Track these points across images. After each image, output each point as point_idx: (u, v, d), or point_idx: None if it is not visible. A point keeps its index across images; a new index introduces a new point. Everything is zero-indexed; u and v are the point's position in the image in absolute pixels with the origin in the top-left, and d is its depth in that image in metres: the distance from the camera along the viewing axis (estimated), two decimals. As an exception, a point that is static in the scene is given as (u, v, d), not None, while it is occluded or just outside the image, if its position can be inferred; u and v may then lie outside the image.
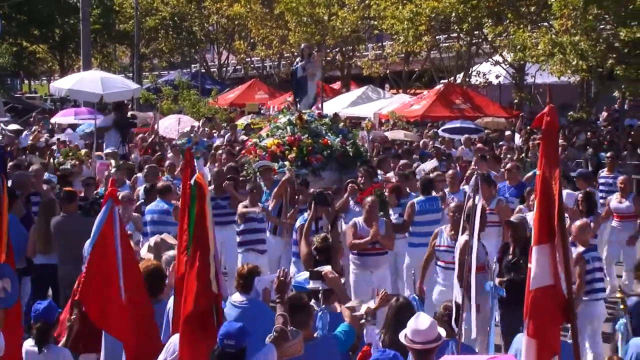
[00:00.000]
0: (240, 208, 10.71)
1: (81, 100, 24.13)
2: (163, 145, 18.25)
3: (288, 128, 13.82)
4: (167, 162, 14.30)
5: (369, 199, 9.91)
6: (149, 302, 6.50)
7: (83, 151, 15.80)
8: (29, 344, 6.22)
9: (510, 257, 8.52)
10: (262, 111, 30.24)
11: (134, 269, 6.52)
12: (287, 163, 12.90)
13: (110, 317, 6.32)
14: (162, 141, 19.03)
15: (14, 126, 22.31)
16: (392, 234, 9.97)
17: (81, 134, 20.96)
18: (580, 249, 8.75)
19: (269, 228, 11.30)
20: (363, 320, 5.69)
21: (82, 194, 11.42)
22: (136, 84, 24.55)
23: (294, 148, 13.30)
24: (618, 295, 7.05)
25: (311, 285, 6.70)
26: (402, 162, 14.03)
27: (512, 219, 8.93)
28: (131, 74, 44.10)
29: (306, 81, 14.60)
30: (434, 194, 11.05)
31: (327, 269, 6.79)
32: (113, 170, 13.59)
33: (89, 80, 17.05)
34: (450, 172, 12.82)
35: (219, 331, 5.30)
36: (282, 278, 6.40)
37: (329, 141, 13.55)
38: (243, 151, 15.16)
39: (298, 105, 14.65)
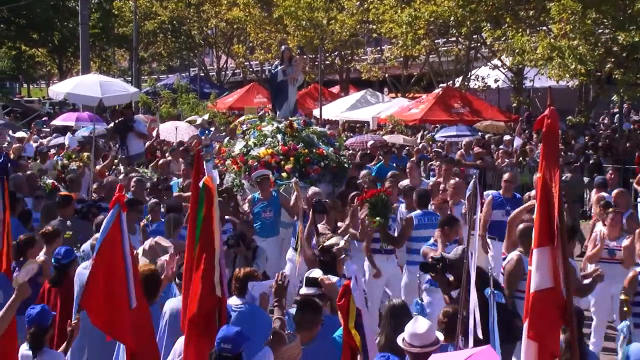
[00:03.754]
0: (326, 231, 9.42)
1: (80, 103, 24.08)
2: (162, 149, 18.21)
3: (278, 136, 12.79)
4: (161, 161, 14.32)
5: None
6: (148, 306, 6.47)
7: (86, 154, 15.70)
8: (24, 349, 6.18)
9: None
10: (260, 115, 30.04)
11: (138, 275, 6.49)
12: (284, 174, 12.09)
13: (116, 322, 6.27)
14: (162, 145, 18.99)
15: (20, 134, 22.51)
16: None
17: (79, 139, 20.90)
18: None
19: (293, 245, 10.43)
20: (343, 255, 5.68)
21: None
22: (135, 87, 24.41)
23: (291, 158, 12.35)
24: (622, 297, 7.02)
25: (305, 291, 6.67)
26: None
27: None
28: (130, 78, 44.09)
29: (287, 86, 13.48)
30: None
31: (323, 275, 6.73)
32: (122, 176, 13.42)
33: (87, 84, 16.91)
34: (452, 181, 11.66)
35: (217, 335, 5.28)
36: (280, 282, 6.35)
37: (324, 151, 12.68)
38: (216, 161, 13.81)
39: (277, 112, 13.54)
